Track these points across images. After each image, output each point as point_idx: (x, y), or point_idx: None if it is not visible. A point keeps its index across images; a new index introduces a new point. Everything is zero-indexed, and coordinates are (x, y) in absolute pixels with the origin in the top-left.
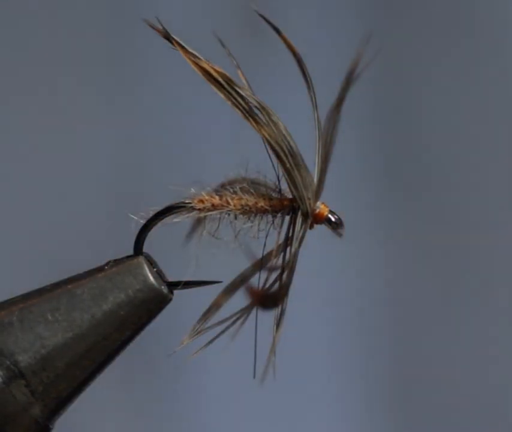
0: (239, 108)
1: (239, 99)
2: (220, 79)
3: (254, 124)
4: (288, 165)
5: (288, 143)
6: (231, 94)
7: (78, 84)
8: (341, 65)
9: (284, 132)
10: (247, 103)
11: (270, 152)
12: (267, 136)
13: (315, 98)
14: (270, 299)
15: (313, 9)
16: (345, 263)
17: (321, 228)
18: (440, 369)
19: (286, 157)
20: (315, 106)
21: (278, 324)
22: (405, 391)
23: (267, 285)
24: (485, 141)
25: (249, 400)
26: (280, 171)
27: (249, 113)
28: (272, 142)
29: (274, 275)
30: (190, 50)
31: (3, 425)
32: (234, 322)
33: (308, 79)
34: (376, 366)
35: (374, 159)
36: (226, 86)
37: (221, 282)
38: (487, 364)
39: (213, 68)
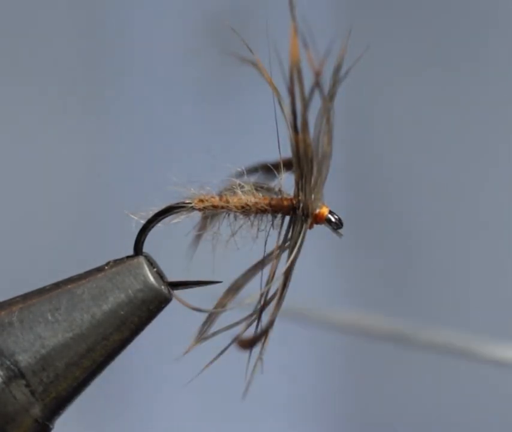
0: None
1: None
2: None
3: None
4: (304, 168)
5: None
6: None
7: (71, 79)
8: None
9: None
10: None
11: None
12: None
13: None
14: (256, 340)
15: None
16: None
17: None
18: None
19: (303, 160)
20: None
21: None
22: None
23: (253, 336)
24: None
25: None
26: (281, 172)
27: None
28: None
29: (273, 278)
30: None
31: (3, 425)
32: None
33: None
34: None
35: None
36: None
37: (221, 282)
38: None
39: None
